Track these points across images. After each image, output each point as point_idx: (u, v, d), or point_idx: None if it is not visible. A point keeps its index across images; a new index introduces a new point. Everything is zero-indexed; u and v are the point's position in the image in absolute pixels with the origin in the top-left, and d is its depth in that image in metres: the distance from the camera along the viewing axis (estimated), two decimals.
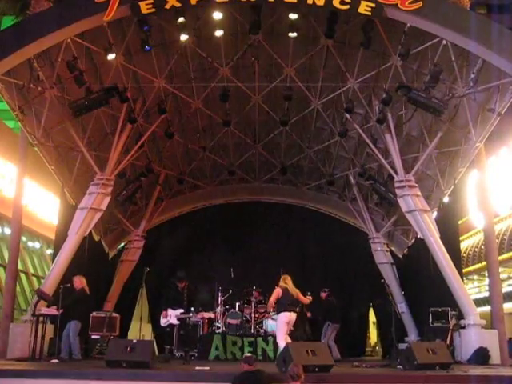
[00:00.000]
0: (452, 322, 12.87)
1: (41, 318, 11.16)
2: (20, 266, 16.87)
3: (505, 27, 12.23)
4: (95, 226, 14.51)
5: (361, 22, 12.04)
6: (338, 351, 13.66)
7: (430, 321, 13.54)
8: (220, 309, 14.84)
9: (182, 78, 14.59)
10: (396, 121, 14.31)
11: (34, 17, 12.68)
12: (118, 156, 14.24)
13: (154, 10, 11.52)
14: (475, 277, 22.66)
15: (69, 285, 11.50)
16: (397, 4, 11.30)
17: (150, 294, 16.79)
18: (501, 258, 17.37)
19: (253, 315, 14.49)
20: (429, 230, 13.41)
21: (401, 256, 17.93)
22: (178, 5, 11.48)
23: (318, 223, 18.80)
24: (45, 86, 12.58)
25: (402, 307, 15.82)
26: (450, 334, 12.70)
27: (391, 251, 17.98)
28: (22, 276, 19.34)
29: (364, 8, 11.34)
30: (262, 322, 14.64)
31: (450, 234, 14.31)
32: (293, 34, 12.49)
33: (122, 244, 18.40)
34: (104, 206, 13.81)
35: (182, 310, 11.40)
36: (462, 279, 13.84)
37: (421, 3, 11.25)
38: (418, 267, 15.86)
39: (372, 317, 19.25)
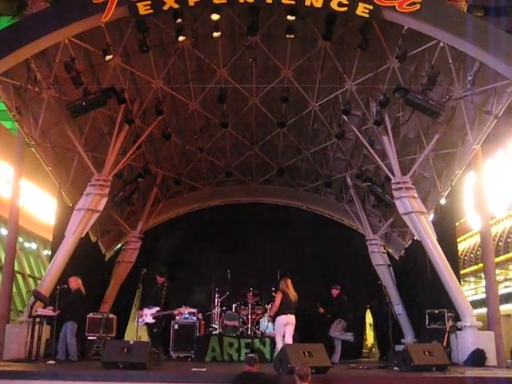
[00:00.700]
0: (448, 323, 12.88)
1: (37, 319, 11.15)
2: (16, 267, 16.83)
3: (502, 30, 12.30)
4: (92, 227, 14.48)
5: (358, 24, 12.06)
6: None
7: (427, 322, 13.53)
8: (217, 310, 14.84)
9: (179, 79, 14.58)
10: (393, 123, 14.35)
11: (32, 17, 12.67)
12: (115, 157, 14.21)
13: (151, 11, 11.51)
14: (472, 279, 22.73)
15: (65, 286, 11.49)
16: (394, 6, 11.32)
17: None
18: (497, 259, 17.44)
19: (250, 316, 14.49)
20: (426, 231, 13.41)
21: (397, 258, 17.92)
22: (176, 6, 11.47)
23: (315, 225, 18.77)
24: (42, 87, 12.53)
25: (398, 309, 15.82)
26: (446, 335, 12.71)
27: (388, 253, 17.96)
28: (19, 277, 19.33)
29: (362, 10, 11.35)
30: (258, 324, 14.65)
31: (447, 235, 14.35)
32: (290, 36, 12.50)
33: (119, 245, 18.34)
34: (101, 207, 13.78)
35: (157, 308, 11.37)
36: (459, 281, 13.87)
37: (418, 6, 11.28)
38: (414, 269, 15.87)
39: (369, 318, 19.24)
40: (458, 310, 12.85)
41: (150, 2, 11.37)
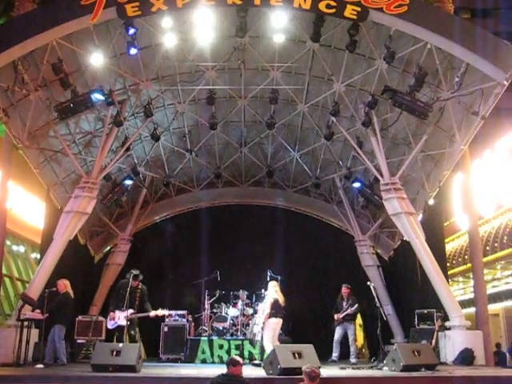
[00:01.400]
0: (437, 323, 12.96)
1: (25, 323, 11.03)
2: (4, 271, 16.69)
3: (488, 32, 12.42)
4: (81, 230, 14.39)
5: (347, 26, 12.11)
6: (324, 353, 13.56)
7: (416, 322, 13.63)
8: (207, 312, 14.80)
9: (168, 80, 14.56)
10: (381, 124, 14.40)
11: (19, 18, 12.61)
12: (103, 159, 14.17)
13: (140, 12, 11.51)
14: (460, 279, 22.86)
15: (54, 289, 11.38)
16: (382, 8, 11.39)
17: None
18: (485, 259, 17.56)
19: (239, 318, 14.47)
20: (414, 232, 13.47)
21: (387, 258, 18.01)
22: (165, 7, 11.48)
23: (304, 226, 18.79)
24: (30, 89, 12.46)
25: (388, 309, 15.89)
26: (435, 335, 12.78)
27: (377, 254, 18.05)
28: (7, 280, 19.14)
29: (350, 12, 11.42)
30: (248, 325, 14.61)
31: (436, 236, 14.44)
32: (279, 37, 12.54)
33: (108, 247, 18.29)
34: (90, 210, 13.68)
35: (131, 311, 11.28)
36: (447, 281, 13.94)
37: (406, 7, 11.37)
38: (403, 269, 15.95)
39: (358, 319, 19.26)
40: (447, 309, 12.92)
41: (138, 4, 11.37)
